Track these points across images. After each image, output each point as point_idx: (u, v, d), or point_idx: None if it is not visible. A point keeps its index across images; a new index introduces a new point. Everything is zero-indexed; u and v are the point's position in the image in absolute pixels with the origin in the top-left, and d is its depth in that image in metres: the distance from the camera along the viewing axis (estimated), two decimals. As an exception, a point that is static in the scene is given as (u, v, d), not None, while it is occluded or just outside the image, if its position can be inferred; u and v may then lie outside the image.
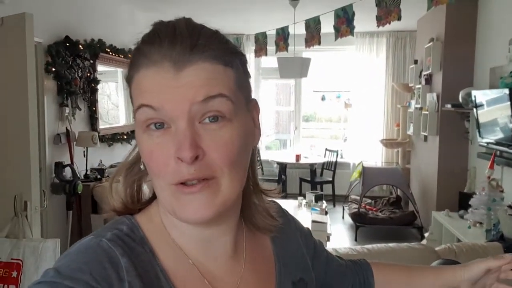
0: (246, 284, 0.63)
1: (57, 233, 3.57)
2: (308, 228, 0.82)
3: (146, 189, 0.65)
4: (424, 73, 5.06)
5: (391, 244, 2.28)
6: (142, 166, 0.60)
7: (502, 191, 3.37)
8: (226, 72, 0.54)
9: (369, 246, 2.27)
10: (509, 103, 3.21)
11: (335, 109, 7.70)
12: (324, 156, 6.93)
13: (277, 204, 0.76)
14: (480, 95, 3.74)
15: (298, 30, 4.59)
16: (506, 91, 3.21)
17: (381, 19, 3.00)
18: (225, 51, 0.55)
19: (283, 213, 0.77)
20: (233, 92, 0.54)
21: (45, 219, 3.31)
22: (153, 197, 0.64)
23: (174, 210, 0.54)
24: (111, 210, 0.63)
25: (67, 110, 3.72)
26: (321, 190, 6.25)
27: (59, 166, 3.58)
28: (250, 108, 0.61)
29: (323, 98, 7.51)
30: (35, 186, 2.40)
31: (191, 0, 4.77)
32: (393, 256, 2.17)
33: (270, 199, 0.72)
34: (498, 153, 3.56)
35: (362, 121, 6.84)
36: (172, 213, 0.55)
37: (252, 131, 0.60)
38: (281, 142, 8.63)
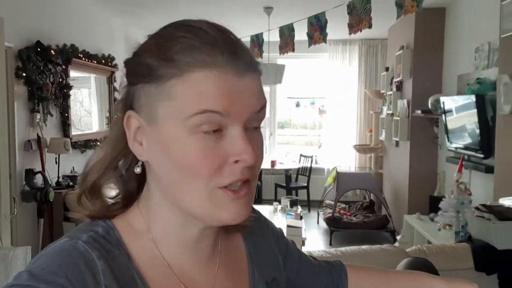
0: (221, 285, 0.63)
1: (28, 241, 3.48)
2: (280, 229, 0.83)
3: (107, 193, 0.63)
4: (395, 80, 5.20)
5: (363, 247, 2.33)
6: (138, 169, 0.59)
7: (470, 194, 3.48)
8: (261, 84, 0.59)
9: (343, 248, 2.31)
10: (475, 109, 3.34)
11: (310, 115, 7.79)
12: (299, 162, 6.99)
13: None
14: (448, 101, 3.87)
15: (272, 37, 4.65)
16: (473, 97, 3.34)
17: (353, 27, 3.08)
18: (261, 65, 0.59)
19: (255, 213, 0.77)
20: None
21: (15, 227, 3.22)
22: (127, 202, 0.63)
23: (212, 214, 0.55)
24: (85, 217, 0.60)
25: (38, 116, 3.64)
26: (296, 195, 6.30)
27: (30, 173, 3.50)
28: None
29: (297, 105, 7.60)
30: (5, 193, 2.35)
31: (165, 4, 4.77)
32: (365, 258, 2.22)
33: None
34: (466, 157, 3.69)
35: (336, 127, 6.96)
36: (207, 216, 0.55)
37: None
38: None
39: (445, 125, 3.99)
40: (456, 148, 3.87)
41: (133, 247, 0.58)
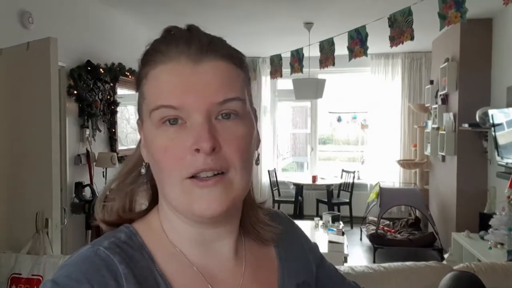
0: (248, 285, 0.63)
1: (76, 253, 3.63)
2: (314, 242, 0.82)
3: (139, 200, 0.65)
4: (440, 93, 5.05)
5: (407, 263, 2.25)
6: (143, 170, 0.61)
7: (523, 211, 3.31)
8: (238, 73, 0.57)
9: (386, 264, 2.25)
10: (526, 121, 3.19)
11: (352, 130, 7.70)
12: (341, 177, 6.89)
13: (275, 211, 0.77)
14: (497, 114, 3.72)
15: (312, 52, 4.66)
16: (523, 109, 3.19)
17: (394, 40, 3.04)
18: (235, 53, 0.58)
19: (286, 219, 0.77)
20: (244, 94, 0.57)
21: (65, 238, 3.37)
22: (150, 207, 0.65)
23: (186, 207, 0.55)
24: (100, 222, 0.63)
25: (87, 131, 3.82)
26: (339, 211, 6.20)
27: (79, 186, 3.66)
28: (252, 113, 0.62)
29: (339, 119, 7.54)
30: (56, 204, 2.47)
31: (203, 25, 4.90)
32: (410, 275, 2.15)
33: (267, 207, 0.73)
34: (517, 172, 3.51)
35: (379, 142, 6.82)
36: (183, 210, 0.56)
37: (256, 134, 0.62)
38: (298, 165, 8.62)
39: (495, 139, 3.83)
40: (507, 163, 3.69)
41: (156, 250, 0.59)
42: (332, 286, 0.78)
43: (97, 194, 3.78)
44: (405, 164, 6.32)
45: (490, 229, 3.47)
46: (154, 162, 0.57)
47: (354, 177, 6.62)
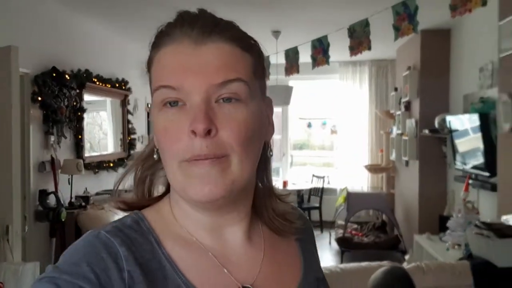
0: (266, 272, 0.61)
1: (40, 260, 3.59)
2: None
3: (159, 186, 0.65)
4: (403, 100, 5.23)
5: (363, 263, 2.35)
6: (155, 156, 0.60)
7: (477, 213, 3.46)
8: (244, 57, 0.56)
9: (342, 265, 2.34)
10: (479, 128, 3.35)
11: (323, 136, 7.83)
12: (311, 182, 7.00)
13: (297, 209, 0.74)
14: (454, 120, 3.89)
15: (280, 59, 4.76)
16: (477, 116, 3.35)
17: (354, 49, 3.16)
18: (243, 36, 0.57)
19: (305, 218, 0.75)
20: (250, 78, 0.55)
21: (28, 245, 3.33)
22: (165, 193, 0.64)
23: (184, 190, 0.54)
24: (117, 206, 0.63)
25: (52, 138, 3.79)
26: (309, 216, 6.30)
27: (43, 194, 3.63)
28: (265, 103, 0.62)
29: (309, 125, 7.66)
30: (17, 211, 2.46)
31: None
32: (364, 274, 2.23)
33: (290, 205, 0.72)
34: (473, 176, 3.68)
35: (348, 148, 6.97)
36: (182, 193, 0.55)
37: (265, 123, 0.61)
38: (274, 170, 8.69)
39: (452, 144, 4.00)
40: (463, 167, 3.86)
41: (164, 235, 0.58)
42: None
43: (62, 202, 3.75)
44: (372, 169, 6.49)
45: (448, 231, 3.61)
46: (158, 145, 0.57)
47: (324, 182, 6.75)
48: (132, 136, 5.46)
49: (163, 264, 0.55)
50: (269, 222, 0.66)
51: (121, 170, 5.16)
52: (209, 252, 0.58)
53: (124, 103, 5.29)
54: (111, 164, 4.90)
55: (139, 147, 5.69)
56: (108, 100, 5.13)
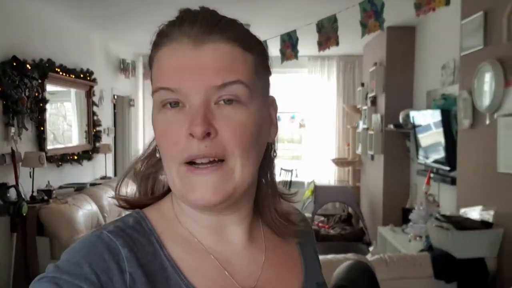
0: (267, 276, 0.61)
1: (1, 255, 3.47)
2: None
3: (162, 183, 0.64)
4: (369, 95, 5.33)
5: (329, 256, 2.40)
6: (158, 154, 0.59)
7: (438, 206, 3.59)
8: (245, 57, 0.54)
9: (308, 258, 2.37)
10: (441, 123, 3.46)
11: (290, 129, 7.89)
12: (280, 175, 7.06)
13: (301, 212, 0.74)
14: (417, 116, 4.00)
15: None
16: (439, 112, 3.46)
17: (322, 44, 3.20)
18: (245, 35, 0.55)
19: (307, 221, 0.75)
20: (251, 79, 0.54)
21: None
22: (166, 192, 0.63)
23: (182, 194, 0.54)
24: (119, 204, 0.62)
25: (12, 130, 3.66)
26: (276, 209, 6.34)
27: (3, 187, 3.50)
28: (267, 103, 0.61)
29: (278, 119, 7.69)
30: (-26, 206, 2.36)
31: (146, 21, 4.85)
32: (330, 266, 2.28)
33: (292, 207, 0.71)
34: (434, 170, 3.80)
35: (316, 141, 7.06)
36: (180, 197, 0.55)
37: (267, 124, 0.60)
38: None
39: (416, 139, 4.12)
40: (425, 161, 3.98)
41: (166, 235, 0.57)
42: None
43: (23, 195, 3.63)
44: (339, 162, 6.60)
45: (410, 223, 3.72)
46: (158, 146, 0.57)
47: (292, 175, 6.81)
48: (98, 128, 5.34)
49: (164, 265, 0.54)
50: (271, 223, 0.65)
51: (86, 163, 5.04)
52: (210, 254, 0.58)
53: (89, 94, 5.16)
54: (76, 157, 4.78)
55: (105, 139, 5.57)
56: (73, 91, 4.99)
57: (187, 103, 0.52)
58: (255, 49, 0.57)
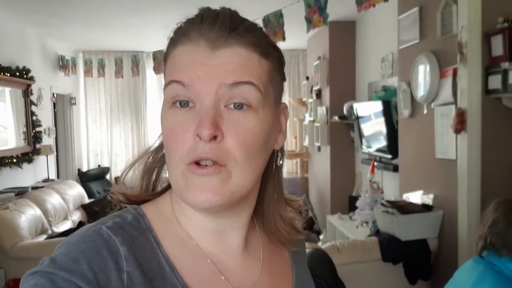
0: (263, 283, 0.61)
1: None
2: None
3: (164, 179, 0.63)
4: (314, 88, 5.48)
5: (283, 247, 2.46)
6: (164, 150, 0.58)
7: (382, 192, 3.78)
8: (261, 63, 0.54)
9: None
10: (382, 114, 3.64)
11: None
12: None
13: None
14: (360, 107, 4.17)
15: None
16: (380, 103, 3.64)
17: (268, 39, 3.24)
18: (263, 42, 0.55)
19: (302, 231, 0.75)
20: (264, 84, 0.54)
21: None
22: (165, 189, 0.63)
23: (182, 192, 0.53)
24: (119, 194, 0.61)
25: None
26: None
27: None
28: (279, 110, 0.60)
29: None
30: None
31: (85, 16, 4.67)
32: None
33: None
34: (377, 158, 3.99)
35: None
36: (180, 195, 0.54)
37: (276, 131, 0.59)
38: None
39: (359, 130, 4.29)
40: (369, 150, 4.17)
41: (163, 234, 0.57)
42: None
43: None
44: (287, 155, 6.73)
45: (357, 210, 3.89)
46: (164, 143, 0.57)
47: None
48: (38, 129, 5.08)
49: (161, 264, 0.54)
50: (275, 229, 0.65)
51: (26, 166, 4.79)
52: (207, 258, 0.58)
53: (27, 93, 4.89)
54: (15, 160, 4.53)
55: (46, 140, 5.32)
56: (7, 90, 4.71)
57: (197, 103, 0.52)
58: (272, 56, 0.57)
